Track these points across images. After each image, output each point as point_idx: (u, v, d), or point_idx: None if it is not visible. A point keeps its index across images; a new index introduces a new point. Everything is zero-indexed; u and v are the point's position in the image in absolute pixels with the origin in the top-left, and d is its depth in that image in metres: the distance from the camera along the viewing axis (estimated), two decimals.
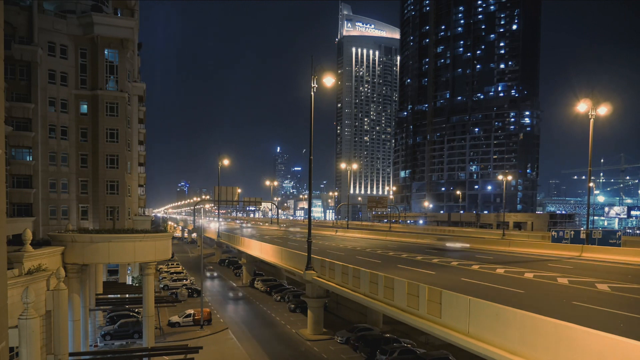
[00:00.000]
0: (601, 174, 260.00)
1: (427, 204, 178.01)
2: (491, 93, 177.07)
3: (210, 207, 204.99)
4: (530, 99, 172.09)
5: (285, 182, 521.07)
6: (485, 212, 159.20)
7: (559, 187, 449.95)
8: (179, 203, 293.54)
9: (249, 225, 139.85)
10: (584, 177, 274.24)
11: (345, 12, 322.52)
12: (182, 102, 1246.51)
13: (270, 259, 48.11)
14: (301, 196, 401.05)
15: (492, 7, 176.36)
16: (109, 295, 42.78)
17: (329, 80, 33.56)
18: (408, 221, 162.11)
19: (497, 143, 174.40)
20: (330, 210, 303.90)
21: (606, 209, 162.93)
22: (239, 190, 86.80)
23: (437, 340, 32.37)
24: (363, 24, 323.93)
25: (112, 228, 34.80)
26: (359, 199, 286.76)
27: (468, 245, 51.10)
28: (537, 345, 14.59)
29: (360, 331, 38.47)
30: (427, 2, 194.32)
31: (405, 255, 42.77)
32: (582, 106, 41.38)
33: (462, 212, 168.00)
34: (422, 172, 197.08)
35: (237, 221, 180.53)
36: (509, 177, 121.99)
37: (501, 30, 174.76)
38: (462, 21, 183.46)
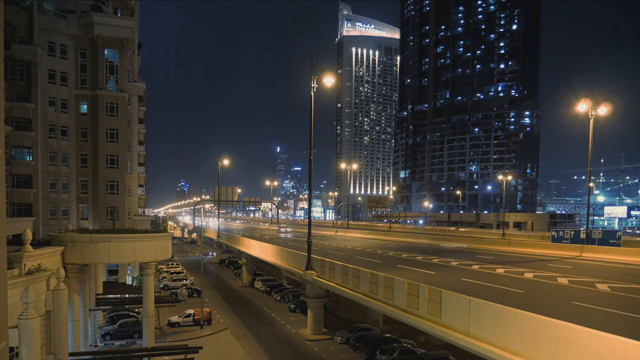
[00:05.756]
0: (601, 174, 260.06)
1: (427, 204, 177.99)
2: (491, 93, 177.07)
3: (210, 207, 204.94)
4: (530, 99, 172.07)
5: (285, 182, 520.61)
6: (485, 212, 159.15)
7: (559, 187, 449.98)
8: (179, 203, 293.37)
9: (248, 225, 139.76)
10: (584, 177, 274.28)
11: (345, 12, 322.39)
12: (182, 102, 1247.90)
13: (270, 259, 48.07)
14: (301, 196, 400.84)
15: (492, 7, 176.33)
16: (109, 295, 42.81)
17: (329, 80, 33.54)
18: (408, 221, 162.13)
19: (497, 143, 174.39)
20: (330, 210, 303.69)
21: (606, 208, 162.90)
22: (239, 190, 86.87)
23: (437, 340, 32.39)
24: (363, 24, 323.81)
25: (112, 228, 34.83)
26: (359, 199, 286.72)
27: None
28: (537, 345, 14.58)
29: (360, 331, 38.46)
30: (427, 2, 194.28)
31: (405, 255, 42.76)
32: (582, 106, 41.40)
33: (462, 212, 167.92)
34: (422, 172, 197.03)
35: (237, 221, 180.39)
36: (509, 177, 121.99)
37: (501, 30, 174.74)
38: (462, 21, 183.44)
